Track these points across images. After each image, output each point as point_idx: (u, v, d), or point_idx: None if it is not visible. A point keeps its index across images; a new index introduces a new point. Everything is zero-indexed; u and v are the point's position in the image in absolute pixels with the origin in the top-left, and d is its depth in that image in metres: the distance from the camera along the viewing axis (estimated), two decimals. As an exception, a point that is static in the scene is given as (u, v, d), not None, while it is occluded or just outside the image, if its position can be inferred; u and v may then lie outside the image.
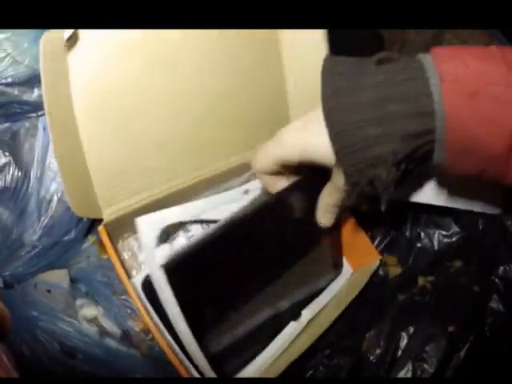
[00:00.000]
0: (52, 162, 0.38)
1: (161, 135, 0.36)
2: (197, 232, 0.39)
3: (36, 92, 0.40)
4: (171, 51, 0.34)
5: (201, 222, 0.40)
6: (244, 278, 0.33)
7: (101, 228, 0.33)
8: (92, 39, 0.31)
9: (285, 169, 0.30)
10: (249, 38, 0.38)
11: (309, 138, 0.27)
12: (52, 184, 0.38)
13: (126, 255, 0.37)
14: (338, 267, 0.40)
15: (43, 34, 0.37)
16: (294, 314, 0.36)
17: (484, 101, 0.23)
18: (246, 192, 0.38)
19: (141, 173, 0.36)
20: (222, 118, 0.39)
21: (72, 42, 0.30)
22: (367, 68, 0.25)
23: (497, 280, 0.39)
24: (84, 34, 0.30)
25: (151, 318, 0.32)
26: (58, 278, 0.37)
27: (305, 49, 0.40)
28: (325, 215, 0.31)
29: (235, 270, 0.32)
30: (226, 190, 0.38)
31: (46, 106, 0.29)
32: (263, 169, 0.30)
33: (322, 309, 0.37)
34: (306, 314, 0.36)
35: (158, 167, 0.37)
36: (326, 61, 0.26)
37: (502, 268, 0.39)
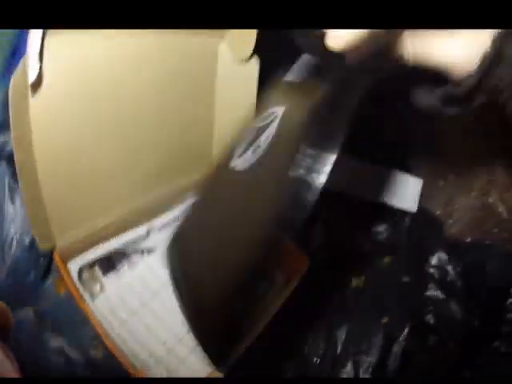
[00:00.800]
0: (8, 207, 0.41)
1: (106, 167, 0.40)
2: (139, 260, 0.43)
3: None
4: (120, 80, 0.37)
5: (141, 251, 0.44)
6: None
7: (55, 253, 0.37)
8: (48, 83, 0.33)
9: None
10: (184, 73, 0.42)
11: None
12: (11, 228, 0.42)
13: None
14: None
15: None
16: None
17: None
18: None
19: (88, 202, 0.40)
20: (156, 152, 0.43)
21: (34, 86, 0.32)
22: None
23: (431, 269, 0.42)
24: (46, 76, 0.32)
25: (112, 342, 0.35)
26: (25, 315, 0.41)
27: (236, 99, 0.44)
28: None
29: None
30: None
31: (15, 154, 0.32)
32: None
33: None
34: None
35: (104, 196, 0.41)
36: None
37: (434, 257, 0.42)
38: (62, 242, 0.38)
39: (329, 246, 0.45)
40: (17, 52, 0.41)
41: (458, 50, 0.25)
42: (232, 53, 0.43)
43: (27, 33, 0.30)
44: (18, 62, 0.40)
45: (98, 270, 0.43)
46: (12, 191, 0.41)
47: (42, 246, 0.37)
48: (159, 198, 0.45)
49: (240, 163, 0.28)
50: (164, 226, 0.47)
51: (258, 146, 0.28)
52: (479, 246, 0.42)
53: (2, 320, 0.17)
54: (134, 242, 0.44)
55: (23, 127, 0.32)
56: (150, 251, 0.46)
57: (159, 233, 0.47)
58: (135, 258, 0.45)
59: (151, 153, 0.43)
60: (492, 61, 0.24)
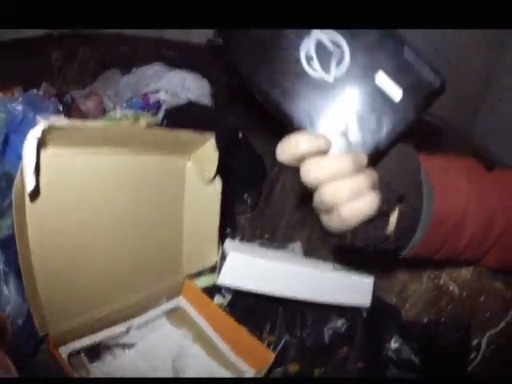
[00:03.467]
0: (4, 289, 0.48)
1: (95, 266, 0.46)
2: (120, 354, 0.48)
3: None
4: (99, 193, 0.45)
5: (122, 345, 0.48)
6: None
7: (49, 338, 0.41)
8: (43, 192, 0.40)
9: None
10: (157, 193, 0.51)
11: None
12: (6, 309, 0.48)
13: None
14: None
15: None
16: None
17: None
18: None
19: (78, 298, 0.46)
20: (135, 254, 0.50)
21: (31, 194, 0.38)
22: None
23: (389, 353, 0.43)
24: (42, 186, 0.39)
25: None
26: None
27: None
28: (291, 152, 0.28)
29: None
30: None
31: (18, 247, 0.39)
32: (306, 150, 0.28)
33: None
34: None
35: (93, 293, 0.46)
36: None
37: (391, 342, 0.44)
38: (55, 329, 0.43)
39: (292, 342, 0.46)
40: (8, 139, 0.48)
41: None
42: (198, 173, 0.51)
43: (16, 123, 0.39)
44: (9, 154, 0.49)
45: (84, 358, 0.46)
46: (6, 275, 0.46)
47: (39, 330, 0.42)
48: (139, 299, 0.51)
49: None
50: (142, 324, 0.51)
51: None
52: (434, 325, 0.41)
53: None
54: (116, 336, 0.49)
55: (21, 226, 0.39)
56: (130, 346, 0.50)
57: (138, 331, 0.51)
58: (117, 350, 0.49)
59: (130, 258, 0.49)
60: None
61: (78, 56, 0.86)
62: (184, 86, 0.81)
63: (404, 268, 0.45)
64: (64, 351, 0.43)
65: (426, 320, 0.44)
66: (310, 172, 0.27)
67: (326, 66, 0.28)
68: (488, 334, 0.42)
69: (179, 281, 0.54)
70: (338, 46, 0.28)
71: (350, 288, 0.45)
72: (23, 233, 0.40)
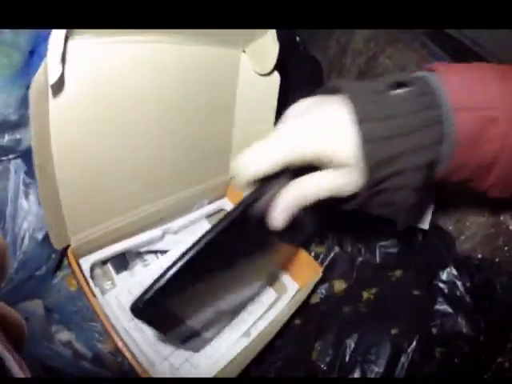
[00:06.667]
0: (23, 202, 0.42)
1: (124, 167, 0.40)
2: (152, 260, 0.44)
3: (6, 137, 0.43)
4: (140, 86, 0.37)
5: (155, 252, 0.44)
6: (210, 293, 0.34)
7: (69, 251, 0.37)
8: (70, 86, 0.32)
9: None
10: (207, 85, 0.42)
11: (327, 141, 0.27)
12: (24, 223, 0.42)
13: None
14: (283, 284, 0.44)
15: (10, 81, 0.41)
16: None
17: (486, 123, 0.27)
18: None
19: (104, 203, 0.40)
20: (175, 157, 0.43)
21: (55, 88, 0.31)
22: (385, 96, 0.28)
23: (440, 284, 0.43)
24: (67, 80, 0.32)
25: (119, 337, 0.36)
26: (34, 307, 0.41)
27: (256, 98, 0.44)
28: (283, 214, 0.29)
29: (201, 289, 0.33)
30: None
31: (34, 157, 0.32)
32: (260, 171, 0.28)
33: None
34: (254, 331, 0.40)
35: (120, 198, 0.41)
36: (344, 85, 0.29)
37: (444, 272, 0.43)
38: (76, 239, 0.39)
39: (342, 257, 0.45)
40: (35, 51, 0.41)
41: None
42: (254, 65, 0.43)
43: (46, 33, 0.30)
44: (36, 62, 0.41)
45: (110, 268, 0.43)
46: (27, 187, 0.41)
47: (57, 243, 0.37)
48: (176, 202, 0.46)
49: None
50: (179, 228, 0.48)
51: None
52: (489, 264, 0.42)
53: (17, 331, 0.17)
54: (149, 242, 0.45)
55: (42, 128, 0.32)
56: (163, 252, 0.47)
57: (174, 235, 0.47)
58: (149, 258, 0.46)
59: (170, 158, 0.43)
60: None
61: None
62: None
63: (464, 196, 0.42)
64: (86, 262, 0.39)
65: (479, 256, 0.43)
66: None
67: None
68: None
69: (226, 181, 0.49)
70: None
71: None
72: (43, 135, 0.32)
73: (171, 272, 0.28)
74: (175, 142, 0.43)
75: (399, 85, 0.29)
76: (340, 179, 0.28)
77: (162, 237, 0.46)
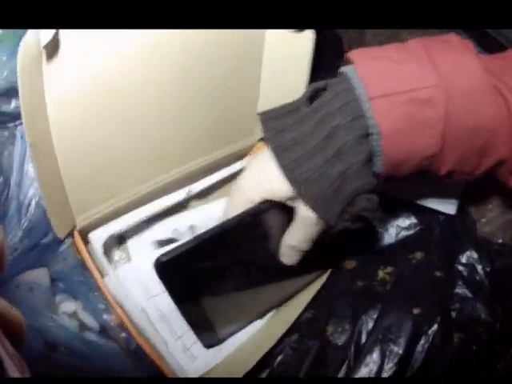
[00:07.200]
0: (29, 169, 0.40)
1: (130, 139, 0.38)
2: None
3: (13, 103, 0.41)
4: (147, 53, 0.35)
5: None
6: (229, 278, 0.34)
7: (75, 233, 0.35)
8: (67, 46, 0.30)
9: None
10: (232, 42, 0.39)
11: (265, 178, 0.29)
12: (30, 189, 0.40)
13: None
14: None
15: (17, 48, 0.38)
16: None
17: (414, 107, 0.25)
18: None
19: (109, 180, 0.38)
20: (190, 120, 0.41)
21: (49, 49, 0.29)
22: (303, 112, 0.27)
23: (460, 267, 0.41)
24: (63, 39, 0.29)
25: (126, 314, 0.35)
26: (39, 277, 0.40)
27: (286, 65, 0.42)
28: (289, 256, 0.32)
29: (222, 271, 0.33)
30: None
31: (26, 135, 0.30)
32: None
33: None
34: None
35: (126, 174, 0.39)
36: (263, 115, 0.29)
37: (464, 255, 0.41)
38: (84, 218, 0.37)
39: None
40: None
41: None
42: None
43: None
44: None
45: (128, 244, 0.42)
46: None
47: (60, 232, 0.35)
48: (197, 168, 0.44)
49: None
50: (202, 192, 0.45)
51: None
52: (509, 250, 0.40)
53: (16, 329, 0.17)
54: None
55: (35, 96, 0.29)
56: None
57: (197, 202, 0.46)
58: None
59: (190, 124, 0.41)
60: None
61: None
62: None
63: (486, 178, 0.41)
64: (98, 238, 0.38)
65: (500, 241, 0.41)
66: None
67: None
68: None
69: (251, 144, 0.47)
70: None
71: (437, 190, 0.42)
72: (37, 104, 0.30)
73: (203, 237, 0.28)
74: (198, 107, 0.40)
75: (323, 90, 0.27)
76: (307, 219, 0.28)
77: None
